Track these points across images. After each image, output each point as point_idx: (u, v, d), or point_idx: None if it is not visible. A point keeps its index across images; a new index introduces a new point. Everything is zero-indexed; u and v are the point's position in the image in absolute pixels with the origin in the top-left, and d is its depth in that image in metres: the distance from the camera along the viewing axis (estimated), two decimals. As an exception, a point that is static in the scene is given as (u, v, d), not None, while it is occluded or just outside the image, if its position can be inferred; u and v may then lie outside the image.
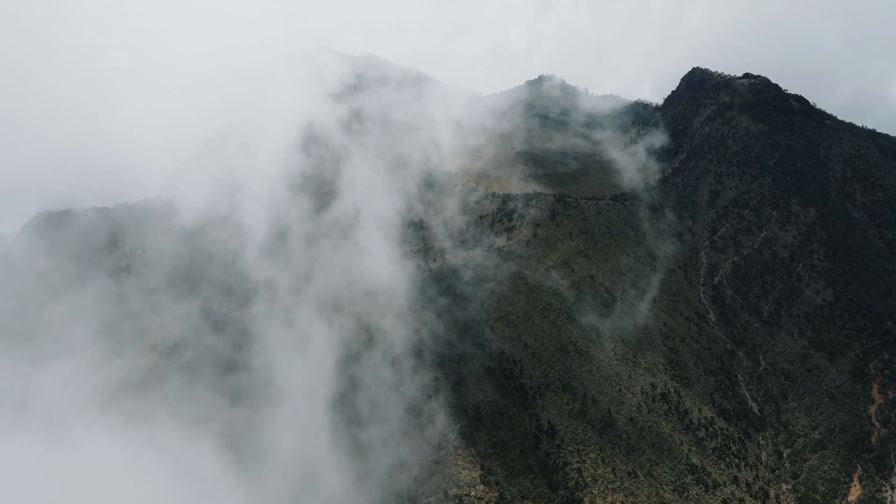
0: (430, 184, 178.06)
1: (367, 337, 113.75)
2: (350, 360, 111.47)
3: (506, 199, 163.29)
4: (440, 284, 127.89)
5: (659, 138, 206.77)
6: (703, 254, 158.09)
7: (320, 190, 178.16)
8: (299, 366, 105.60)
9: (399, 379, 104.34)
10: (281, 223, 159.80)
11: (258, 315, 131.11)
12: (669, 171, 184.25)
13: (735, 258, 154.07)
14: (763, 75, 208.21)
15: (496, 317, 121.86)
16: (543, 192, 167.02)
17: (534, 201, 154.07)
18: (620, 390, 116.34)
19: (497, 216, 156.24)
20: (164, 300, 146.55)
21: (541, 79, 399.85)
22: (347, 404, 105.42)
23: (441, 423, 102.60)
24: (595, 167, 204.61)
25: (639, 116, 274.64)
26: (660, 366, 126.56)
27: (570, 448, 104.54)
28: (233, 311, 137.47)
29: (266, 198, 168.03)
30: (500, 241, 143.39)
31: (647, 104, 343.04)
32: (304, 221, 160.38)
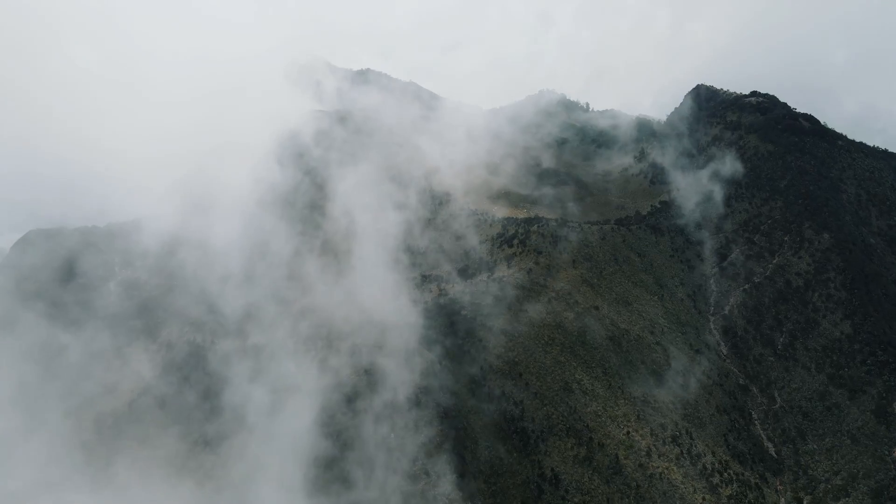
0: (426, 205, 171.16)
1: (359, 379, 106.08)
2: (341, 403, 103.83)
3: (506, 223, 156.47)
4: (434, 318, 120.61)
5: (663, 157, 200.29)
6: (712, 281, 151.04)
7: (310, 212, 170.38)
8: (282, 417, 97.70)
9: (390, 425, 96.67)
10: (265, 248, 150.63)
11: (236, 352, 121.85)
12: (675, 192, 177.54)
13: (746, 286, 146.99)
14: (770, 93, 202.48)
15: (495, 354, 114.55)
16: (545, 216, 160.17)
17: (535, 226, 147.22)
18: (629, 433, 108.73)
19: (497, 241, 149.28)
20: (126, 336, 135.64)
21: (541, 93, 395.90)
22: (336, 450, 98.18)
23: (434, 471, 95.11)
24: (597, 187, 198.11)
25: (641, 133, 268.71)
26: (670, 404, 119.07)
27: (576, 498, 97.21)
28: (206, 347, 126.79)
29: (249, 219, 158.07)
30: (500, 269, 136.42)
31: (650, 120, 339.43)
32: (290, 246, 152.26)
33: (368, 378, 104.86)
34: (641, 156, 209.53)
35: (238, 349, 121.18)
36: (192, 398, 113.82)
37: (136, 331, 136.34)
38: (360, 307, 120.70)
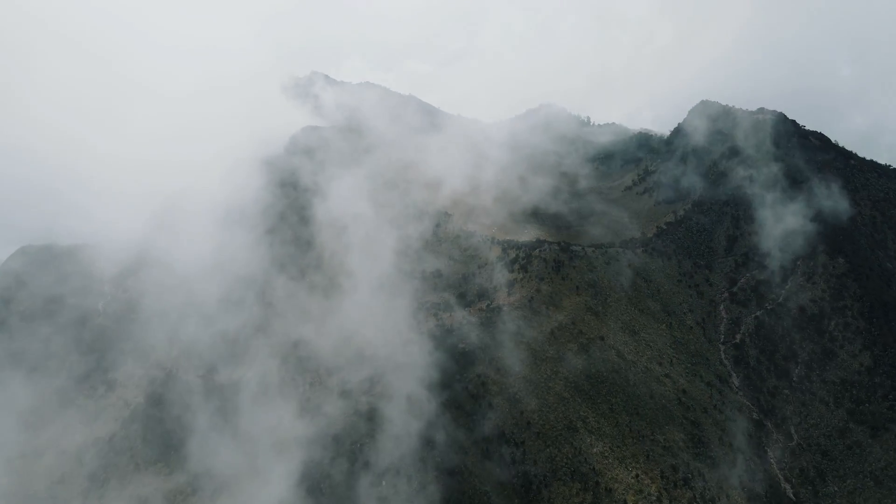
0: (423, 227, 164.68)
1: (351, 422, 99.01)
2: (329, 444, 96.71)
3: (506, 245, 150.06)
4: (429, 352, 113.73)
5: (668, 175, 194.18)
6: (722, 307, 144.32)
7: (297, 232, 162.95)
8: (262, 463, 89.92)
9: (387, 477, 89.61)
10: (253, 272, 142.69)
11: (208, 393, 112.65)
12: (682, 212, 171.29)
13: (758, 313, 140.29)
14: (778, 110, 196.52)
15: (494, 391, 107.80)
16: (546, 239, 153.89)
17: (536, 251, 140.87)
18: (638, 476, 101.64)
19: (497, 265, 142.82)
20: (75, 380, 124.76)
21: (541, 107, 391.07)
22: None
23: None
24: (600, 206, 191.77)
25: (644, 148, 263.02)
26: (680, 443, 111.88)
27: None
28: (171, 388, 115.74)
29: (227, 240, 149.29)
30: (500, 296, 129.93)
31: (652, 134, 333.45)
32: (274, 270, 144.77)
33: (362, 422, 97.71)
34: (645, 174, 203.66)
35: (209, 389, 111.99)
36: (152, 451, 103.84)
37: (88, 372, 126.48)
38: (351, 339, 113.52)
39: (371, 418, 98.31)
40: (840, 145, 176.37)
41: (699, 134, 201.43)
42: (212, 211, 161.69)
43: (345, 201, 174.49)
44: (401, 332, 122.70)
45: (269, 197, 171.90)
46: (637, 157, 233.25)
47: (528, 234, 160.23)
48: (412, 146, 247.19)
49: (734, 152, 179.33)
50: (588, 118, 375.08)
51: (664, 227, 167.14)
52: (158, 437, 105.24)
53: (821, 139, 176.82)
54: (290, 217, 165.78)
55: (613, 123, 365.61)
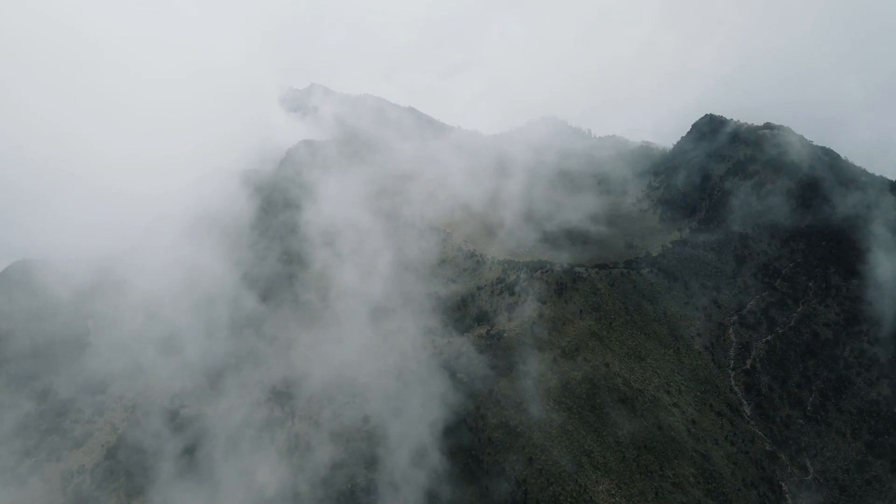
0: (419, 245, 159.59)
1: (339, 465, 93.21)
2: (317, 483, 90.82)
3: (506, 266, 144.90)
4: (424, 382, 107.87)
5: (672, 192, 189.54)
6: (731, 331, 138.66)
7: (287, 252, 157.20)
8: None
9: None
10: (229, 293, 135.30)
11: (185, 425, 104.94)
12: (687, 231, 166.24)
13: (769, 337, 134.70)
14: (783, 123, 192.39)
15: (494, 424, 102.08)
16: (548, 258, 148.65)
17: (538, 272, 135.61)
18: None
19: (496, 288, 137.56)
20: (48, 401, 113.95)
21: (543, 120, 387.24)
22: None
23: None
24: (602, 223, 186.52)
25: (646, 161, 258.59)
26: (691, 478, 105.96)
27: None
28: (148, 420, 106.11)
29: (213, 259, 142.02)
30: (501, 321, 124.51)
31: (655, 148, 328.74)
32: (261, 293, 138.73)
33: (358, 466, 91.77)
34: (649, 189, 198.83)
35: (177, 427, 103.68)
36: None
37: (39, 410, 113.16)
38: (341, 370, 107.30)
39: (368, 462, 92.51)
40: (850, 162, 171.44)
41: (702, 149, 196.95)
42: (187, 227, 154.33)
43: (336, 219, 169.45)
44: (396, 360, 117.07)
45: (251, 212, 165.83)
46: (640, 172, 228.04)
47: (529, 254, 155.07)
48: (410, 161, 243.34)
49: (739, 169, 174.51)
50: (589, 130, 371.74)
51: (669, 245, 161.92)
52: (117, 486, 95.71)
53: (829, 154, 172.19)
54: (276, 235, 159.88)
55: (614, 136, 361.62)
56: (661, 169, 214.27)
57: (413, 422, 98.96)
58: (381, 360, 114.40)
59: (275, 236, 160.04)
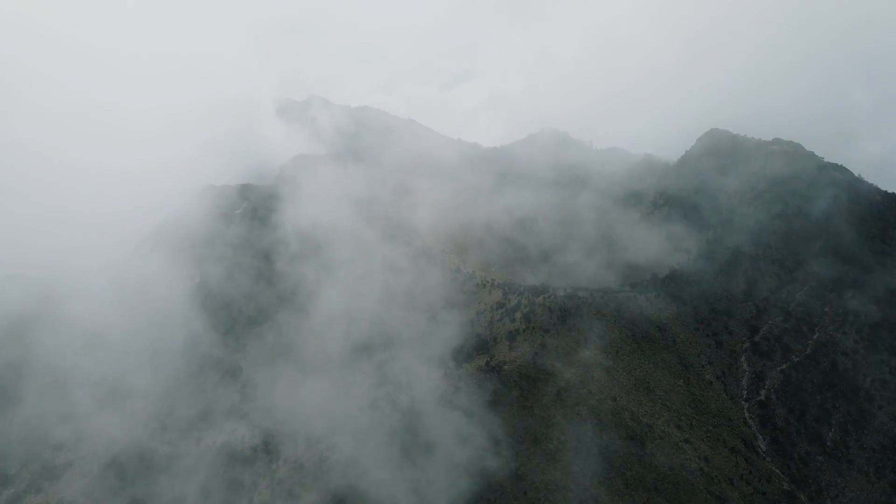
0: (414, 266, 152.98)
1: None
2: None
3: (507, 290, 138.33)
4: (416, 431, 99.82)
5: (677, 210, 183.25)
6: (743, 359, 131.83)
7: (264, 277, 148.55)
8: None
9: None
10: (200, 327, 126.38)
11: (133, 482, 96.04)
12: (694, 252, 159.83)
13: (784, 366, 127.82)
14: (787, 135, 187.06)
15: (494, 467, 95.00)
16: (550, 281, 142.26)
17: (541, 297, 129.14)
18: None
19: (496, 313, 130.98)
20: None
21: (542, 132, 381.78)
22: None
23: None
24: (606, 243, 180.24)
25: (650, 176, 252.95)
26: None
27: None
28: (89, 474, 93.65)
29: (179, 291, 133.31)
30: (501, 351, 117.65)
31: (656, 160, 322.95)
32: (220, 327, 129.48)
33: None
34: (653, 208, 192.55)
35: (125, 484, 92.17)
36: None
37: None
38: (319, 406, 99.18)
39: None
40: (865, 180, 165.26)
41: (709, 165, 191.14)
42: (149, 247, 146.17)
43: (323, 239, 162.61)
44: (386, 395, 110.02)
45: (228, 231, 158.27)
46: (643, 188, 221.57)
47: (530, 276, 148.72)
48: (407, 175, 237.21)
49: (749, 187, 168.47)
50: (591, 143, 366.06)
51: (676, 266, 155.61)
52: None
53: (841, 171, 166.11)
54: (255, 255, 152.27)
55: (616, 148, 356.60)
56: (664, 185, 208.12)
57: (407, 468, 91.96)
58: (367, 396, 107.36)
59: (255, 256, 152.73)
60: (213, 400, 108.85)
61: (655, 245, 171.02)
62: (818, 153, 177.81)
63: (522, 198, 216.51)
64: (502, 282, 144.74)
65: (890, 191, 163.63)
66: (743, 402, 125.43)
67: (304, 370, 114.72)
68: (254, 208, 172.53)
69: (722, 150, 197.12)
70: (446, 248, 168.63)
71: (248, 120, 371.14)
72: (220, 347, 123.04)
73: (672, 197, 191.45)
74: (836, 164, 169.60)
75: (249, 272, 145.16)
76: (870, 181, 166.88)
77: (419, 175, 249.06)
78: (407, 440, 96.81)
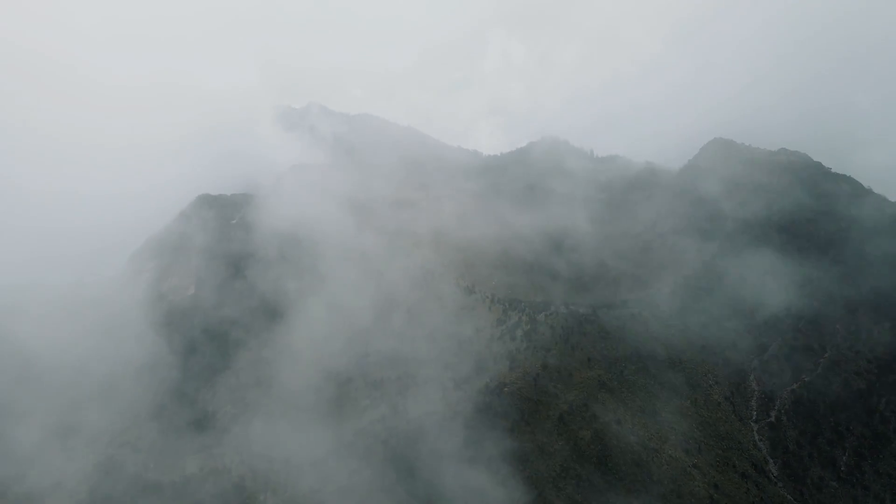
0: (412, 281, 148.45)
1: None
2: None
3: (507, 307, 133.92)
4: (404, 475, 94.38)
5: (681, 220, 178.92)
6: (752, 378, 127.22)
7: (242, 302, 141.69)
8: None
9: None
10: (165, 360, 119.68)
11: None
12: (699, 264, 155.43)
13: (794, 386, 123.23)
14: (796, 149, 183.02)
15: (498, 497, 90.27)
16: (551, 297, 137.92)
17: (542, 314, 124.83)
18: None
19: (496, 330, 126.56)
20: None
21: (543, 140, 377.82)
22: None
23: None
24: (609, 254, 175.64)
25: (653, 186, 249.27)
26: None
27: None
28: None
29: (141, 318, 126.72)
30: (501, 372, 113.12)
31: (658, 169, 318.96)
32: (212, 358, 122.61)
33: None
34: (657, 218, 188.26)
35: None
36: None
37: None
38: (291, 456, 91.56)
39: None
40: (876, 192, 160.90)
41: (713, 175, 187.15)
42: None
43: (314, 251, 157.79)
44: (376, 424, 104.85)
45: (203, 244, 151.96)
46: (646, 197, 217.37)
47: (531, 291, 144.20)
48: (403, 185, 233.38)
49: (754, 197, 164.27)
50: (591, 151, 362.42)
51: (681, 280, 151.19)
52: None
53: (850, 183, 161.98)
54: (224, 267, 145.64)
55: (617, 156, 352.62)
56: (667, 195, 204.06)
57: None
58: (359, 421, 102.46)
59: (230, 268, 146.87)
60: (177, 440, 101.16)
61: (658, 257, 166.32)
62: (828, 163, 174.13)
63: (522, 207, 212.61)
64: (503, 297, 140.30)
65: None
66: (752, 424, 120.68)
67: (288, 394, 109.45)
68: (244, 218, 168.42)
69: (724, 158, 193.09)
70: (445, 260, 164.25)
71: (246, 127, 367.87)
72: (185, 373, 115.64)
73: (676, 206, 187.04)
74: (845, 175, 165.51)
75: (229, 288, 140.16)
76: (878, 191, 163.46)
77: (418, 184, 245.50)
78: (402, 469, 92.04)
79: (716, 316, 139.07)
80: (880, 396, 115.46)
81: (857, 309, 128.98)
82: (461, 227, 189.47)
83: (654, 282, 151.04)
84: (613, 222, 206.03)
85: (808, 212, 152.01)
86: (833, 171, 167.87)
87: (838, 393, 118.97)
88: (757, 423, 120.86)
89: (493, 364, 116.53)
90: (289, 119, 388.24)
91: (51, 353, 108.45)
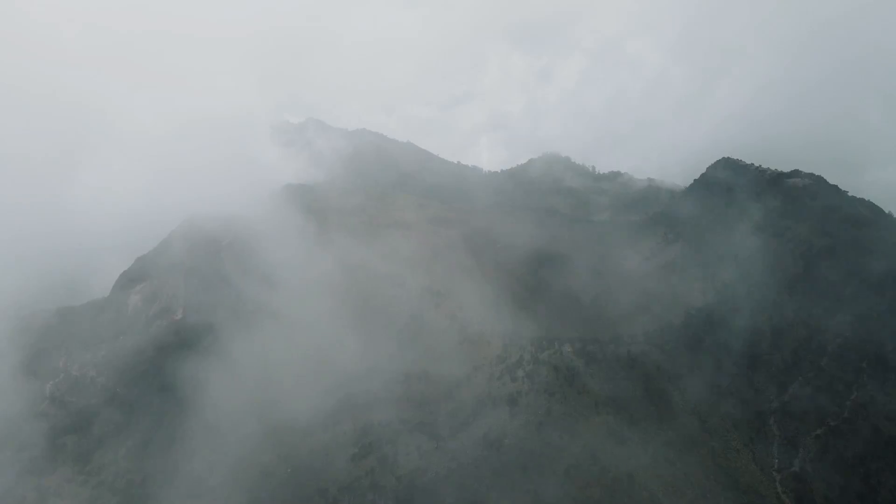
0: (402, 312, 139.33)
1: None
2: None
3: (507, 342, 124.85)
4: None
5: (691, 245, 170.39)
6: (772, 421, 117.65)
7: (216, 330, 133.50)
8: None
9: None
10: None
11: None
12: (711, 295, 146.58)
13: (819, 431, 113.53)
14: (811, 170, 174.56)
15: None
16: (554, 332, 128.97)
17: (546, 353, 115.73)
18: None
19: (496, 369, 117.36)
20: None
21: (544, 156, 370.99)
22: None
23: None
24: (615, 281, 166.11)
25: (658, 204, 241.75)
26: None
27: None
28: None
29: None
30: (501, 420, 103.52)
31: (661, 186, 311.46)
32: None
33: None
34: (664, 243, 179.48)
35: None
36: None
37: None
38: None
39: None
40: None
41: (723, 198, 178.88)
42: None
43: (289, 278, 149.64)
44: (370, 471, 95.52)
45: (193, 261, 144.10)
46: (651, 218, 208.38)
47: (533, 325, 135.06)
48: (400, 205, 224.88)
49: (769, 223, 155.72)
50: (593, 167, 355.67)
51: (693, 312, 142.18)
52: None
53: (869, 207, 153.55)
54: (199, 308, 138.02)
55: (619, 173, 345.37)
56: (674, 217, 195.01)
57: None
58: (342, 474, 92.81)
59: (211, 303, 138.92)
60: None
61: (668, 286, 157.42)
62: (840, 184, 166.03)
63: (523, 227, 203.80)
64: (502, 331, 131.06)
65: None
66: (775, 474, 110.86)
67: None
68: (231, 244, 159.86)
69: (733, 179, 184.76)
70: (442, 288, 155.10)
71: (243, 143, 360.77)
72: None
73: (681, 228, 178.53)
74: (863, 199, 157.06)
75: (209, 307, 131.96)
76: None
77: (416, 204, 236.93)
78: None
79: (730, 351, 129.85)
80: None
81: (884, 344, 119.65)
82: (461, 249, 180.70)
83: (665, 314, 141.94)
84: (621, 241, 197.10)
85: (825, 239, 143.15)
86: (850, 194, 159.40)
87: (868, 439, 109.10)
88: (779, 474, 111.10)
89: (492, 408, 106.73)
90: (286, 135, 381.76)
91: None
